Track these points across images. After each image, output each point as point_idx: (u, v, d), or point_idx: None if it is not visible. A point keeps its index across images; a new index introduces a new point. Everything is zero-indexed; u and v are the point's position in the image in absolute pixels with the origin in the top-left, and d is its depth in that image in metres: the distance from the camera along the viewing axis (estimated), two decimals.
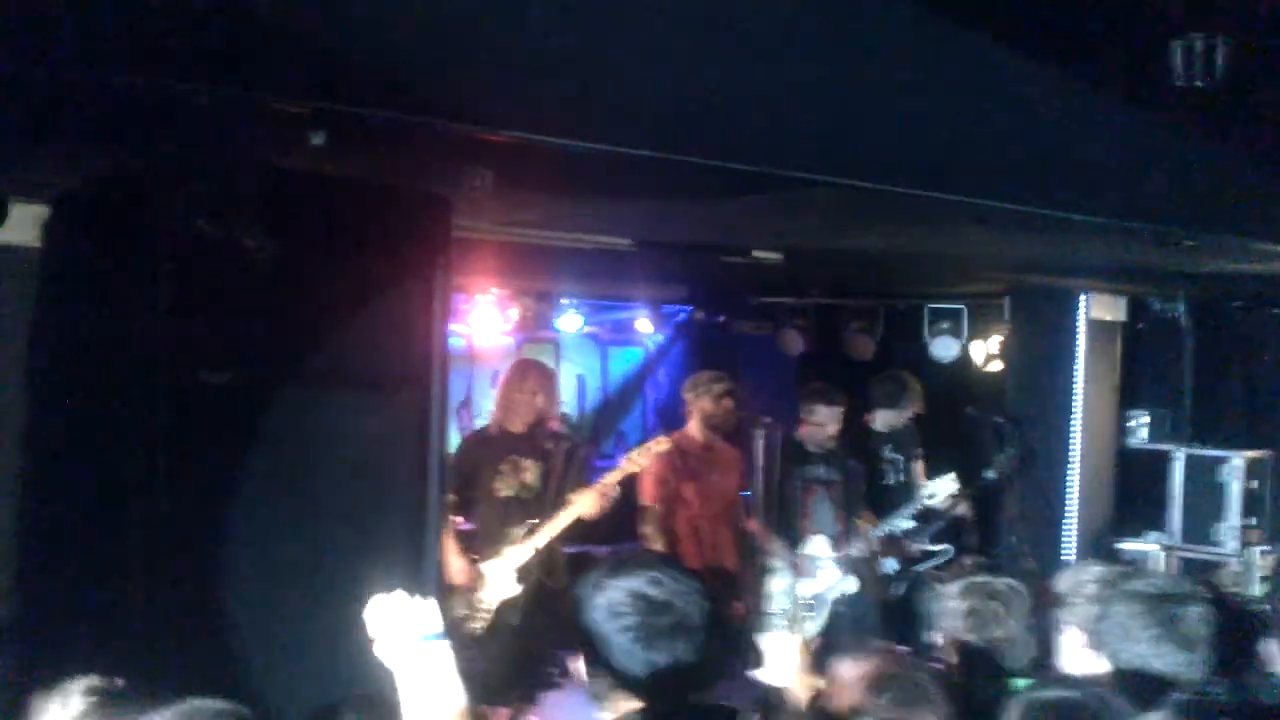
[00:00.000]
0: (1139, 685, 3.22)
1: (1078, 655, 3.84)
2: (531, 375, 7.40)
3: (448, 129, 3.73)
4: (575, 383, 10.71)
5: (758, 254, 7.05)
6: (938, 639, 4.11)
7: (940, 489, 7.79)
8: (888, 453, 8.45)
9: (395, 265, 4.02)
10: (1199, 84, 3.50)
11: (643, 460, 7.37)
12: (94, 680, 2.86)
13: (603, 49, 3.53)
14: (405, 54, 3.36)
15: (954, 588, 4.02)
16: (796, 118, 4.27)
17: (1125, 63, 3.92)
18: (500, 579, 6.89)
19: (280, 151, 3.49)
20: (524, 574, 6.91)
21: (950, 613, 3.96)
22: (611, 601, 2.93)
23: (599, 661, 2.94)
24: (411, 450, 4.17)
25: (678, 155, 4.32)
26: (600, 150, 4.12)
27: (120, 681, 2.82)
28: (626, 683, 2.92)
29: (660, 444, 7.45)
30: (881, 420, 8.52)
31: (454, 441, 7.21)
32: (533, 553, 6.91)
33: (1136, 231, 5.96)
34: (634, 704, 2.91)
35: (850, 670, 3.27)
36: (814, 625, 7.73)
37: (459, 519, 7.21)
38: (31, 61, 2.74)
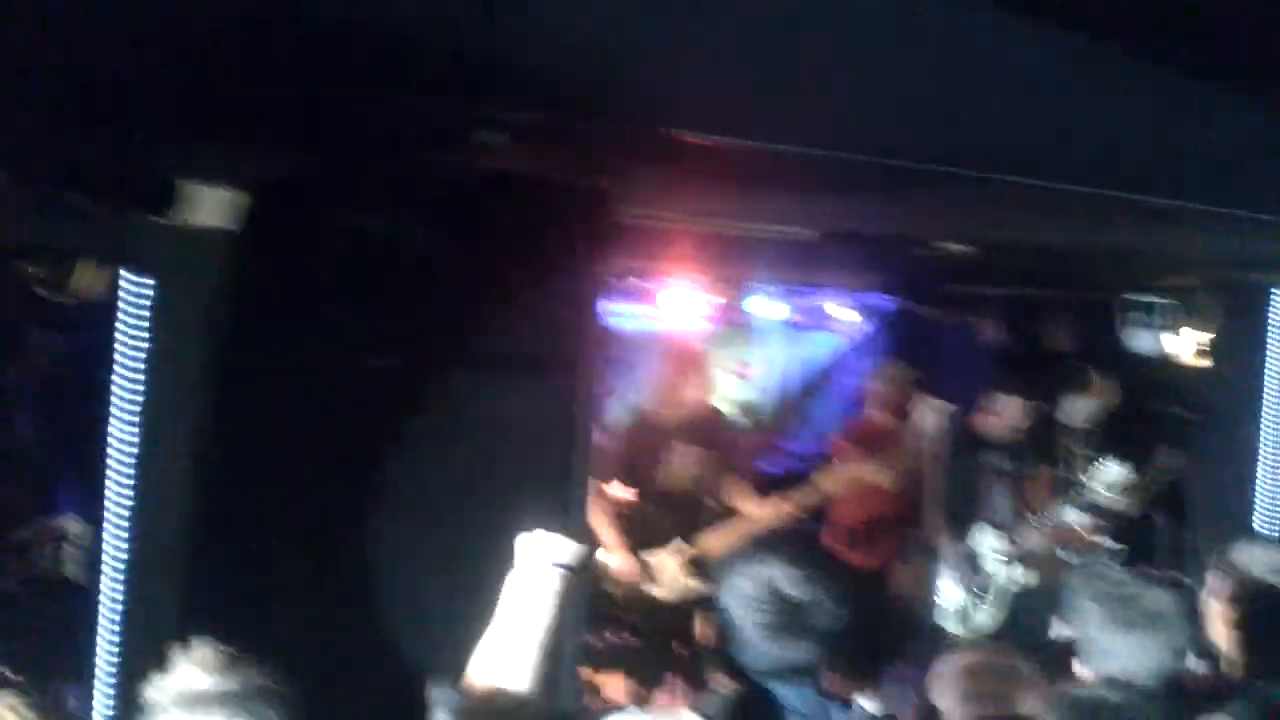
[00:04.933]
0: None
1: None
2: (697, 361, 7.43)
3: (607, 128, 3.97)
4: (769, 368, 10.83)
5: (944, 245, 7.09)
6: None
7: (1111, 479, 7.75)
8: (1074, 446, 8.44)
9: (550, 254, 4.21)
10: None
11: (839, 484, 7.38)
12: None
13: (774, 46, 3.69)
14: (571, 52, 3.57)
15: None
16: (974, 116, 4.38)
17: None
18: (663, 572, 6.96)
19: (441, 150, 3.74)
20: (690, 570, 6.95)
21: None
22: (747, 591, 3.08)
23: (723, 642, 3.11)
24: (562, 433, 4.33)
25: (858, 155, 4.48)
26: (778, 150, 4.30)
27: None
28: (742, 667, 3.08)
29: (857, 471, 7.43)
30: (1068, 412, 8.53)
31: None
32: (696, 551, 6.95)
33: None
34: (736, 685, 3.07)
35: (948, 661, 3.34)
36: (985, 617, 7.80)
37: (621, 508, 7.28)
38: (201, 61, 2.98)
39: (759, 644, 3.04)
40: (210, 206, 3.95)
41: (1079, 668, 3.55)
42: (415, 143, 3.73)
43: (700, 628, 3.32)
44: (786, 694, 3.07)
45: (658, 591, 6.91)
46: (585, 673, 7.17)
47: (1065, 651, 3.95)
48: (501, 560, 3.15)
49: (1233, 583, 4.14)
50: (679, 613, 6.81)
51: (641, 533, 7.13)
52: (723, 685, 3.14)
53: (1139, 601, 3.50)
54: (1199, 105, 4.24)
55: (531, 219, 4.14)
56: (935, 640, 7.50)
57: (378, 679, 3.93)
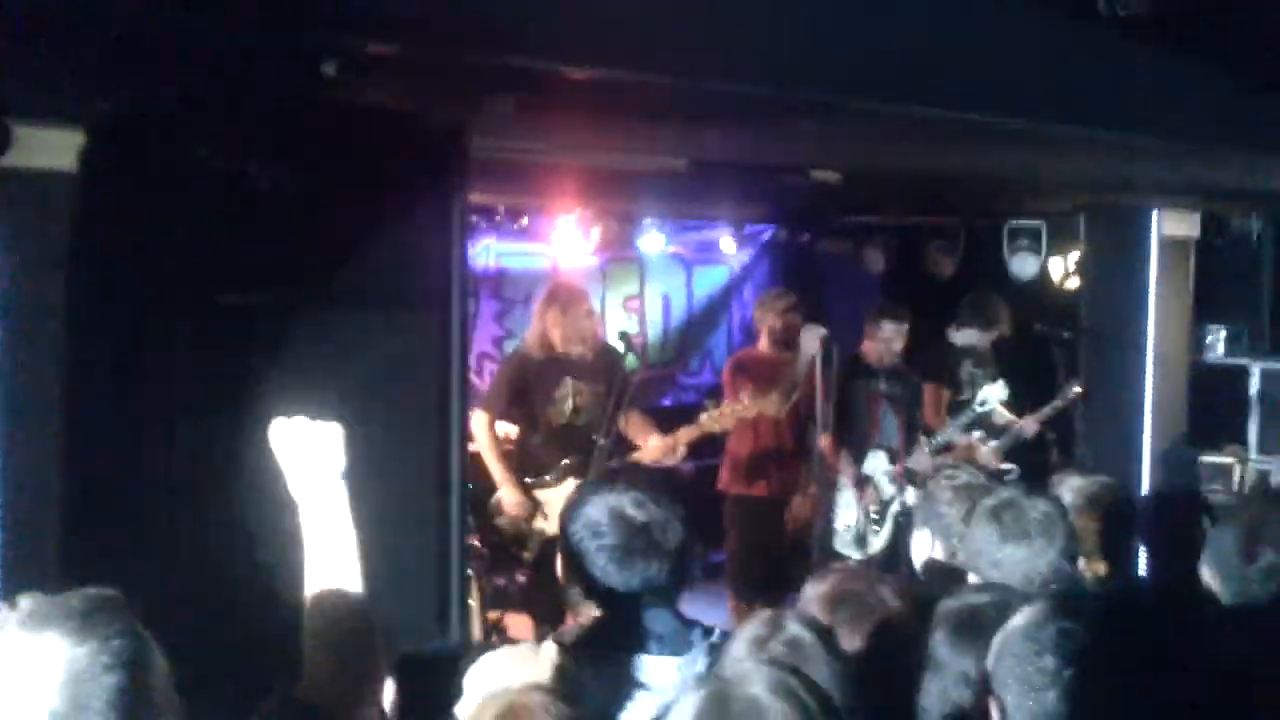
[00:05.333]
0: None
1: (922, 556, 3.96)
2: (583, 297, 7.41)
3: (462, 58, 3.94)
4: (660, 302, 10.85)
5: (816, 174, 7.13)
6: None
7: (991, 396, 7.83)
8: (967, 368, 8.53)
9: (410, 188, 4.18)
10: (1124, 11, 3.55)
11: (724, 423, 7.42)
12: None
13: None
14: None
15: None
16: (842, 41, 4.40)
17: None
18: (554, 508, 6.81)
19: (294, 83, 3.70)
20: None
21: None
22: (593, 518, 3.12)
23: (575, 571, 3.14)
24: (432, 368, 4.33)
25: (721, 82, 4.48)
26: (645, 80, 4.29)
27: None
28: (597, 595, 3.11)
29: (743, 408, 7.45)
30: (964, 337, 8.63)
31: None
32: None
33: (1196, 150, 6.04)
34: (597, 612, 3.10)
35: (812, 589, 3.37)
36: (879, 540, 7.91)
37: (508, 444, 7.33)
38: None
39: (608, 568, 3.07)
40: (51, 148, 3.88)
41: (969, 578, 3.62)
42: (265, 77, 3.69)
43: (558, 559, 3.31)
44: (642, 618, 3.10)
45: (550, 528, 6.92)
46: (491, 615, 7.22)
47: (949, 566, 4.03)
48: (377, 499, 3.13)
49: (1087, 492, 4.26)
50: None
51: (533, 469, 7.14)
52: (580, 614, 3.17)
53: (1019, 512, 3.57)
54: (1074, 30, 4.30)
55: (386, 154, 4.10)
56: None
57: (244, 609, 3.89)
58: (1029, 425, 8.31)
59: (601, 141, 6.18)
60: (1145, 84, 5.06)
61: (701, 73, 4.36)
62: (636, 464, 7.22)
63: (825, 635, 2.70)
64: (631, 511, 3.09)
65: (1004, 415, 8.33)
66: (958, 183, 8.28)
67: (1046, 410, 8.35)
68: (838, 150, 6.74)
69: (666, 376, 10.87)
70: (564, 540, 3.18)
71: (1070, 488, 4.35)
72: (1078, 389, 8.41)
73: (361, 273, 4.15)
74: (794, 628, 2.66)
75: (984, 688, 2.27)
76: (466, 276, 4.45)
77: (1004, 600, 2.95)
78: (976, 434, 8.12)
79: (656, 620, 3.11)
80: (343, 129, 4.05)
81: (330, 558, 2.61)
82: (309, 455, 2.69)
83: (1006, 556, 3.53)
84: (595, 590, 3.12)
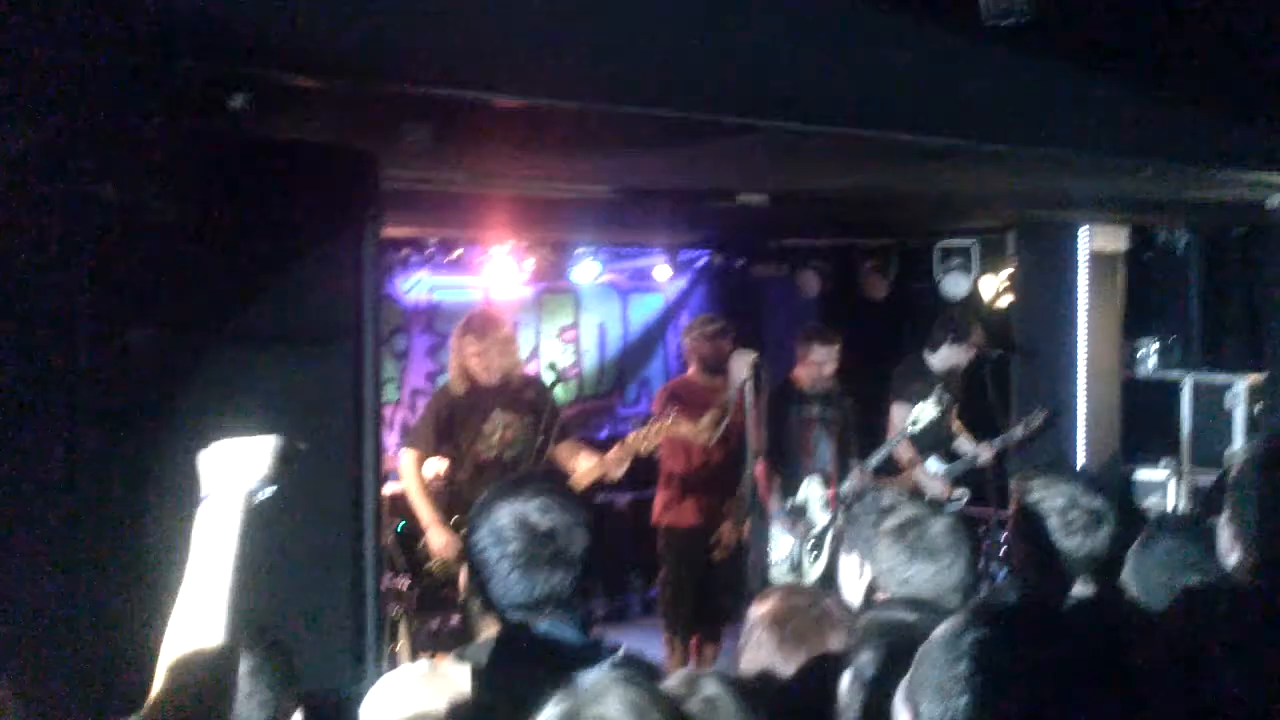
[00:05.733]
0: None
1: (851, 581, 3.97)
2: (503, 325, 7.27)
3: (376, 89, 3.90)
4: (596, 332, 10.83)
5: (741, 198, 7.13)
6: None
7: (923, 416, 7.81)
8: (939, 391, 8.39)
9: (319, 221, 4.12)
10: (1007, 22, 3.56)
11: (651, 441, 7.28)
12: None
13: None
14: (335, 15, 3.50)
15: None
16: (759, 66, 4.38)
17: None
18: None
19: (199, 116, 3.65)
20: None
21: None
22: (497, 526, 3.04)
23: (479, 583, 3.06)
24: (341, 405, 4.23)
25: (642, 108, 4.46)
26: (546, 104, 4.27)
27: None
28: (500, 608, 3.03)
29: (670, 426, 7.34)
30: (942, 360, 8.54)
31: None
32: None
33: (1120, 165, 6.08)
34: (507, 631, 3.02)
35: (756, 609, 3.33)
36: (816, 567, 7.88)
37: (438, 481, 7.22)
38: None
39: (512, 578, 2.99)
40: None
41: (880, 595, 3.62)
42: (170, 110, 3.63)
43: (462, 575, 3.23)
44: (546, 631, 3.03)
45: None
46: (422, 656, 7.11)
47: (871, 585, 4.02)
48: (286, 541, 3.04)
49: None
50: None
51: (461, 507, 7.03)
52: (486, 629, 3.09)
53: (922, 529, 3.57)
54: (996, 48, 4.30)
55: (294, 186, 4.04)
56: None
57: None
58: (984, 452, 8.32)
59: (526, 171, 6.16)
60: (1068, 100, 5.08)
61: (622, 99, 4.34)
62: (548, 469, 7.08)
63: (744, 697, 2.65)
64: (535, 518, 3.01)
65: (964, 442, 8.37)
66: (886, 204, 8.30)
67: (1003, 438, 8.38)
68: (763, 174, 6.74)
69: (603, 408, 10.85)
70: (468, 550, 3.10)
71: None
72: (1043, 416, 8.45)
73: (268, 307, 4.06)
74: (711, 688, 2.61)
75: (904, 695, 2.26)
76: (378, 310, 4.36)
77: (930, 615, 2.94)
78: (934, 463, 8.16)
79: (560, 634, 3.04)
80: (248, 161, 3.97)
81: (210, 586, 2.47)
82: (233, 475, 2.54)
83: (915, 574, 3.53)
84: (497, 602, 3.04)
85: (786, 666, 3.28)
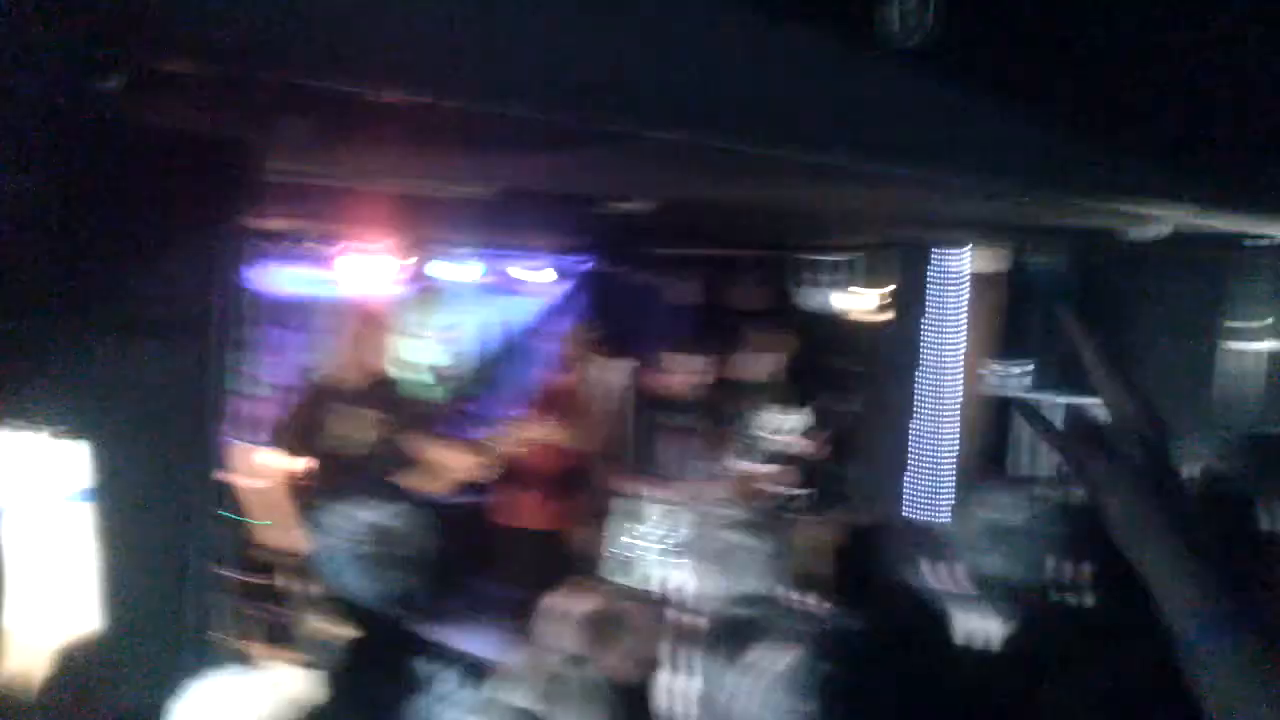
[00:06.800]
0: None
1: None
2: (375, 323, 7.33)
3: (253, 78, 3.79)
4: (474, 332, 10.74)
5: (626, 205, 7.09)
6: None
7: (783, 425, 7.86)
8: (749, 400, 8.55)
9: (184, 211, 3.99)
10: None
11: (512, 445, 7.30)
12: None
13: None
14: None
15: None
16: (646, 74, 4.34)
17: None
18: None
19: (69, 98, 3.50)
20: None
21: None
22: (348, 530, 3.01)
23: (329, 584, 3.01)
24: (188, 398, 4.12)
25: (527, 111, 4.39)
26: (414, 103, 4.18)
27: None
28: (349, 611, 2.99)
29: (533, 430, 7.38)
30: (744, 367, 8.65)
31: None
32: None
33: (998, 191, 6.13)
34: (352, 633, 2.98)
35: (561, 604, 3.31)
36: (658, 571, 7.86)
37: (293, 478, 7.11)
38: None
39: (353, 578, 2.97)
40: None
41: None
42: (37, 89, 3.49)
43: (304, 579, 3.22)
44: (397, 634, 3.00)
45: None
46: (270, 652, 6.98)
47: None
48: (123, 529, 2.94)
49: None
50: None
51: (322, 504, 6.89)
52: (330, 632, 3.05)
53: (726, 540, 3.63)
54: (867, 66, 4.30)
55: (160, 174, 3.90)
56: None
57: None
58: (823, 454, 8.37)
59: (408, 168, 6.06)
60: (948, 121, 5.10)
61: (508, 102, 4.27)
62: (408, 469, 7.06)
63: None
64: (374, 519, 3.01)
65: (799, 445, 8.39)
66: (768, 216, 8.31)
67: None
68: (647, 181, 6.70)
69: (477, 408, 10.74)
70: (319, 550, 3.06)
71: None
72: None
73: (114, 296, 3.92)
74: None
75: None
76: (236, 303, 4.23)
77: (763, 612, 2.93)
78: (760, 465, 8.17)
79: (409, 636, 3.04)
80: (111, 146, 3.82)
81: (36, 580, 2.37)
82: (38, 473, 2.43)
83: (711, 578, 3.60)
84: (348, 606, 3.01)
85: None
